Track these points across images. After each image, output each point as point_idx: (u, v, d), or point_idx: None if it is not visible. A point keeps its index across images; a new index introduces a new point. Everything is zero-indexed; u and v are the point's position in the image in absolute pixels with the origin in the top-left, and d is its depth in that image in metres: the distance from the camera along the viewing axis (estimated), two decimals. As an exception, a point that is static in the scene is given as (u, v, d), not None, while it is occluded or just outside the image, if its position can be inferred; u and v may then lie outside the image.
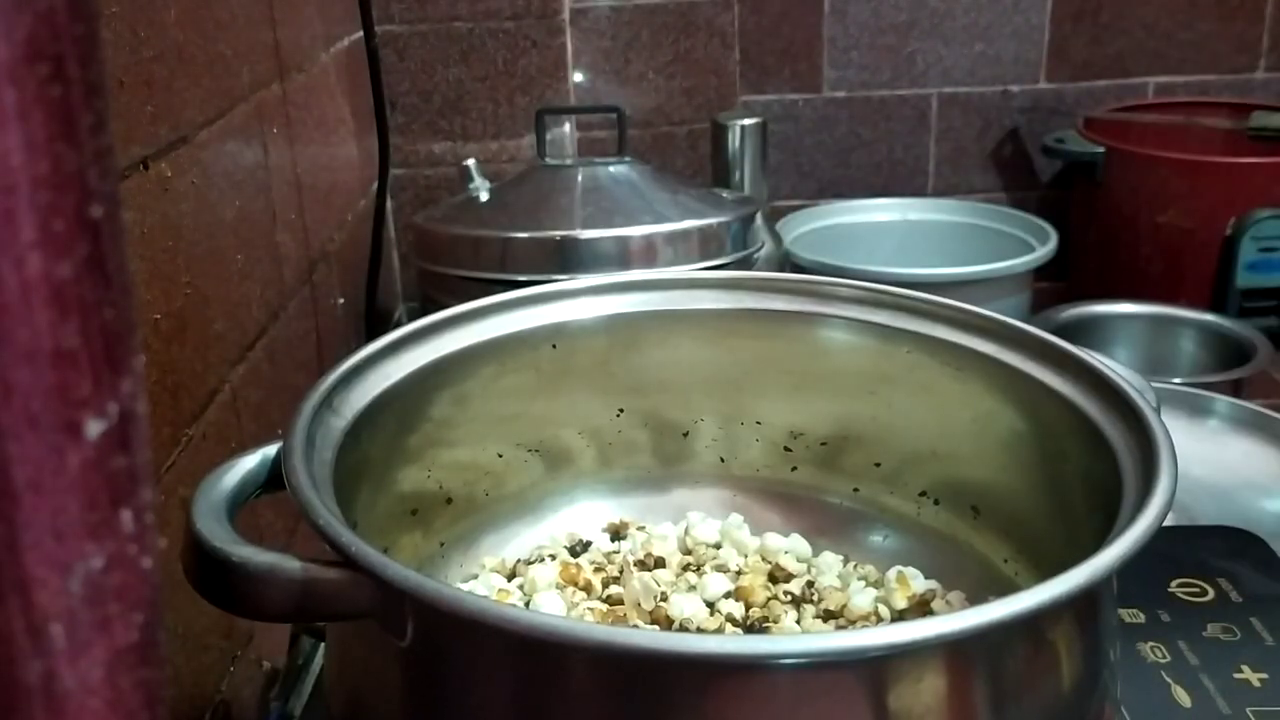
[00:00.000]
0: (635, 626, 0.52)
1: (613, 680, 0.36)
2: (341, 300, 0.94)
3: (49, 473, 0.16)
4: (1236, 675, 0.54)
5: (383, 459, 0.52)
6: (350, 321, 0.98)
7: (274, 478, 0.44)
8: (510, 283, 0.83)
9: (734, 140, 1.17)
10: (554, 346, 0.58)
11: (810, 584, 0.56)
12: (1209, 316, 1.17)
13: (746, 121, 1.17)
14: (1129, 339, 1.18)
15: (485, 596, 0.50)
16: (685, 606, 0.53)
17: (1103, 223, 1.32)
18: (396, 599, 0.36)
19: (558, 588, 0.55)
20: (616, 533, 0.61)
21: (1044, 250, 1.19)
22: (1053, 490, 0.52)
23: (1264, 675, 0.54)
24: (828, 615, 0.54)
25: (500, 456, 0.59)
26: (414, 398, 0.53)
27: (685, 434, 0.63)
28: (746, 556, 0.58)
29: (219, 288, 0.65)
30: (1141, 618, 0.59)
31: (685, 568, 0.57)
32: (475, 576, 0.57)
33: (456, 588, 0.48)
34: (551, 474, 0.61)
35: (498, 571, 0.57)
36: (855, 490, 0.61)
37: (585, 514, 0.62)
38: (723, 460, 0.63)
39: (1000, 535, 0.55)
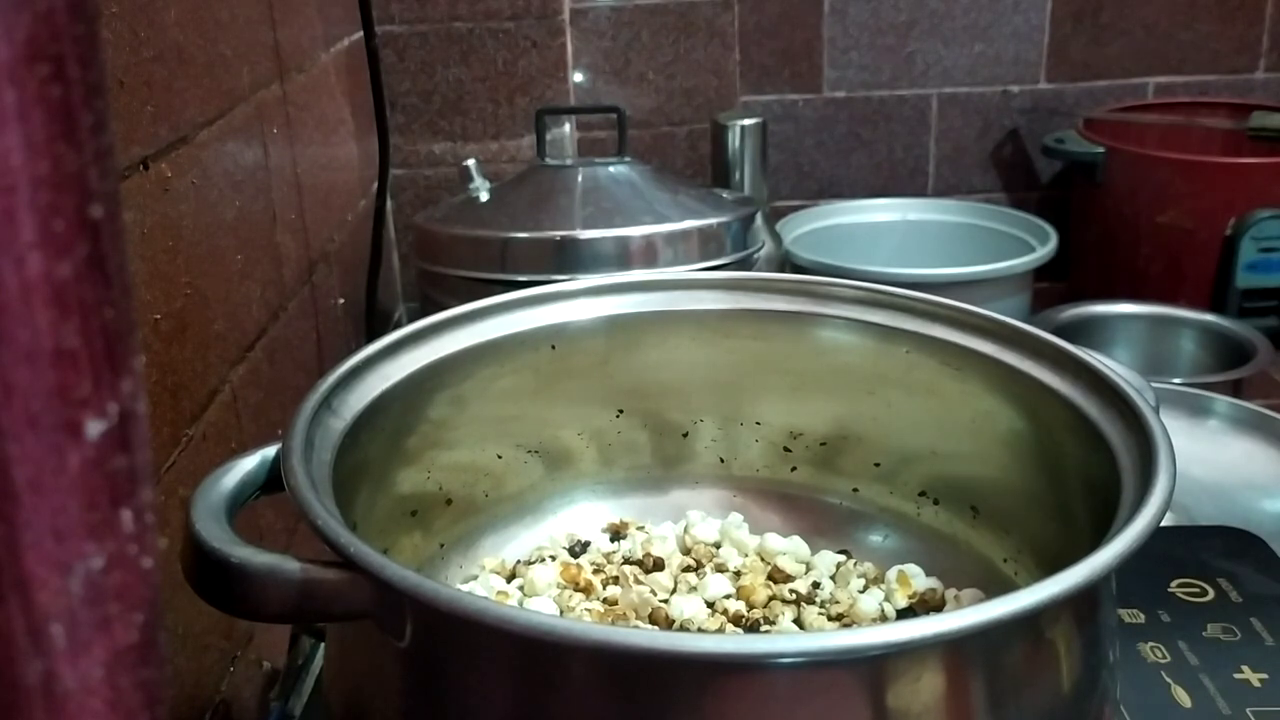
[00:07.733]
0: (634, 626, 0.52)
1: (612, 680, 0.36)
2: (341, 300, 0.94)
3: (49, 473, 0.16)
4: (1236, 675, 0.54)
5: (382, 460, 0.52)
6: (350, 321, 0.98)
7: (273, 479, 0.44)
8: (510, 283, 0.83)
9: (734, 140, 1.17)
10: (553, 347, 0.58)
11: (816, 584, 0.56)
12: (1209, 316, 1.17)
13: (746, 121, 1.17)
14: (1129, 339, 1.18)
15: (484, 597, 0.50)
16: (685, 607, 0.53)
17: (1103, 223, 1.32)
18: (396, 599, 0.36)
19: (558, 588, 0.55)
20: (616, 533, 0.61)
21: (1044, 250, 1.19)
22: (1052, 490, 0.52)
23: (1264, 675, 0.54)
24: (833, 615, 0.54)
25: (500, 457, 0.59)
26: (413, 399, 0.53)
27: (685, 435, 0.63)
28: (746, 556, 0.58)
29: (219, 288, 0.65)
30: (1141, 618, 0.59)
31: (685, 568, 0.57)
32: (475, 578, 0.57)
33: (455, 588, 0.48)
34: (551, 475, 0.61)
35: (497, 572, 0.57)
36: (854, 490, 0.61)
37: (585, 515, 0.62)
38: (722, 461, 0.63)
39: (999, 535, 0.55)
